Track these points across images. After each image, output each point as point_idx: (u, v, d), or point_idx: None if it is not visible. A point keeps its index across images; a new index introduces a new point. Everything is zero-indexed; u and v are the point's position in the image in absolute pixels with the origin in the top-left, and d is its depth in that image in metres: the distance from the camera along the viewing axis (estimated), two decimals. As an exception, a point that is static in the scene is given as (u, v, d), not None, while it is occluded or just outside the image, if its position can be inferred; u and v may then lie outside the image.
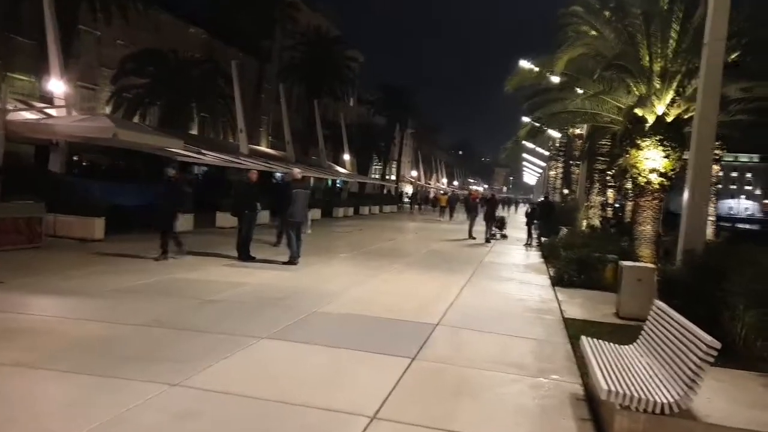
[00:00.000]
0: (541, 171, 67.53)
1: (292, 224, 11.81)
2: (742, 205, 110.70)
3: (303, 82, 40.53)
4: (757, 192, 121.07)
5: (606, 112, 14.21)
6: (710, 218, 24.58)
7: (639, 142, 12.83)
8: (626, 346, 5.31)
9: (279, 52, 41.65)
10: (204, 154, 20.99)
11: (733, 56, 11.89)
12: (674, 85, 12.29)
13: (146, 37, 28.60)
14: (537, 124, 16.10)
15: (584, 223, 20.46)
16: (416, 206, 50.49)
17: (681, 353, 4.16)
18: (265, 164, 23.91)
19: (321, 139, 38.32)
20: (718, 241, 18.96)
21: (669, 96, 12.52)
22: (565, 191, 34.90)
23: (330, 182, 43.02)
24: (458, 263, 14.15)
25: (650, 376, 4.35)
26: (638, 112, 12.96)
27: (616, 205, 26.36)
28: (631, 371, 4.47)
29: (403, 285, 10.49)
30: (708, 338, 3.87)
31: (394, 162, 65.13)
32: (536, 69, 15.22)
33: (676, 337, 4.40)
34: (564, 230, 18.69)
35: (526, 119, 18.67)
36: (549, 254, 15.72)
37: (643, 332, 5.33)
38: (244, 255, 11.88)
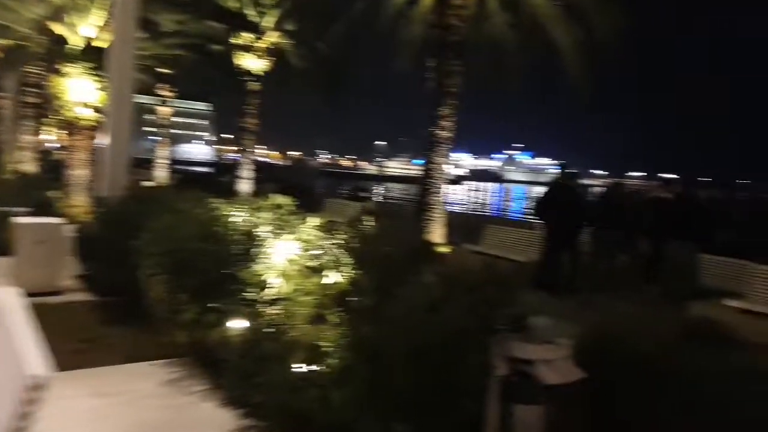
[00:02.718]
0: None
1: None
2: (199, 150, 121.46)
3: None
4: (213, 138, 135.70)
5: (20, 25, 11.09)
6: (166, 161, 24.55)
7: (63, 68, 10.44)
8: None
9: None
10: None
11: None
12: (101, 2, 10.34)
13: None
14: None
15: (13, 168, 16.60)
16: None
17: (8, 381, 2.35)
18: None
19: None
20: (163, 184, 18.66)
21: (98, 15, 10.49)
22: None
23: None
24: None
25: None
26: (59, 30, 10.47)
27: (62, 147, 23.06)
28: None
29: None
30: (34, 368, 2.14)
31: None
32: None
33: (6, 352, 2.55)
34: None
35: None
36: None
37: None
38: None
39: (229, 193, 11.70)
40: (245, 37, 15.36)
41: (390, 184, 75.66)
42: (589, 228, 9.61)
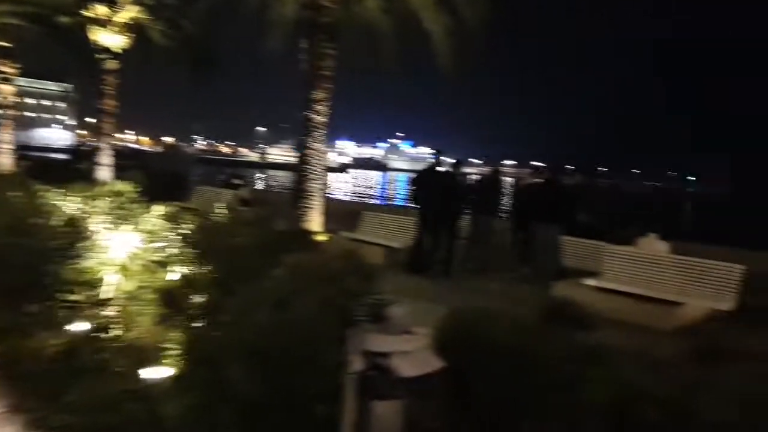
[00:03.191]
0: None
1: None
2: (58, 135, 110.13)
3: None
4: (74, 123, 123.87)
5: None
6: (10, 147, 21.84)
7: None
8: None
9: None
10: None
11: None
12: None
13: None
14: None
15: None
16: None
17: None
18: None
19: None
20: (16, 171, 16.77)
21: None
22: None
23: None
24: None
25: None
26: None
27: None
28: None
29: None
30: None
31: None
32: None
33: None
34: None
35: None
36: None
37: None
38: None
39: (84, 181, 10.56)
40: (99, 10, 13.91)
41: (272, 172, 73.90)
42: (467, 213, 9.80)
